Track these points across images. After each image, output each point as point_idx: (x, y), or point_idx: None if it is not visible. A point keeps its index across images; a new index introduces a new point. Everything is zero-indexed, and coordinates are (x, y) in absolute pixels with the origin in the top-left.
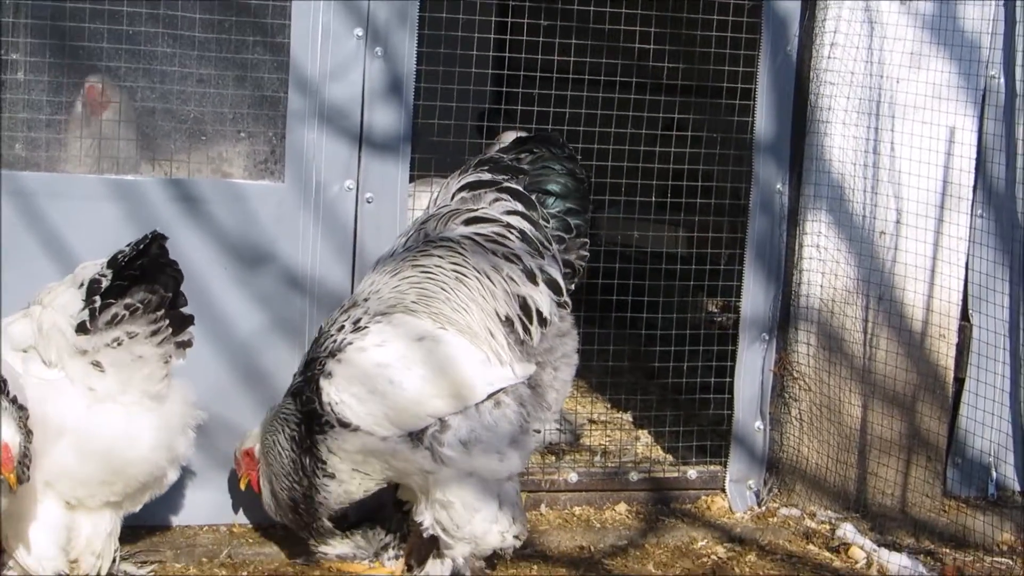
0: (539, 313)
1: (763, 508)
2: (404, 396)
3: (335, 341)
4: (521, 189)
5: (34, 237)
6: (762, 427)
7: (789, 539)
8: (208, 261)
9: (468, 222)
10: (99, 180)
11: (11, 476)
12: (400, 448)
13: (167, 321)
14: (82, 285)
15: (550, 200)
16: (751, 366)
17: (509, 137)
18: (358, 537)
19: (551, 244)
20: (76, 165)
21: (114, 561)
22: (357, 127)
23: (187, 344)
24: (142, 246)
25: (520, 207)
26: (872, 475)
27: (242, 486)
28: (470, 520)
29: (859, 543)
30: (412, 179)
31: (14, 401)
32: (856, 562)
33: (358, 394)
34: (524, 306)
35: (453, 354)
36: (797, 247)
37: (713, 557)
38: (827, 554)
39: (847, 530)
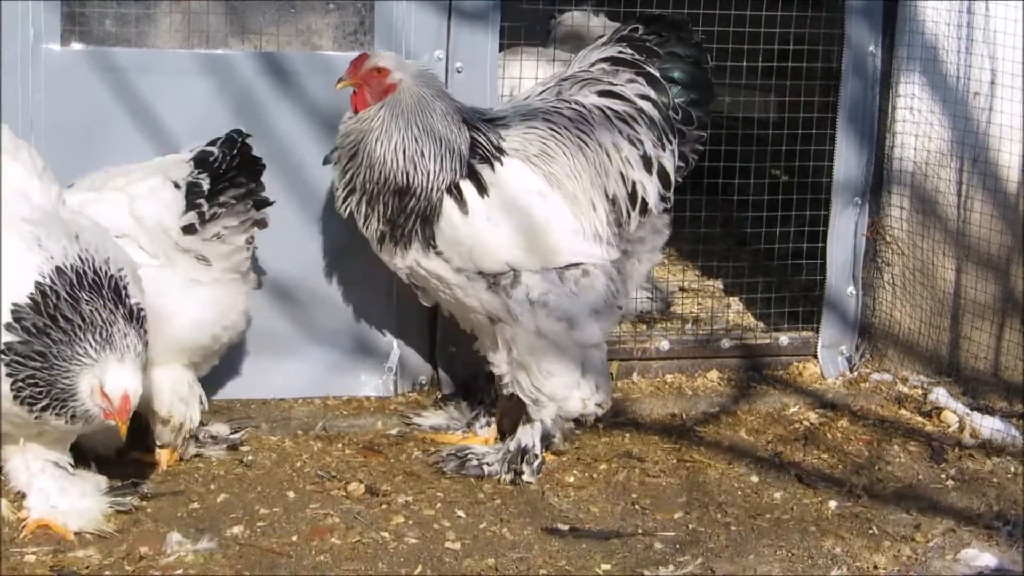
0: (644, 202)
1: (855, 373)
2: (488, 237)
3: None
4: (658, 75)
5: (126, 113)
6: (855, 292)
7: (881, 404)
8: (300, 133)
9: (603, 94)
10: (189, 55)
11: (124, 426)
12: (476, 285)
13: (251, 206)
14: (179, 187)
15: (675, 89)
16: (844, 231)
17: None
18: (451, 408)
19: (674, 137)
20: (166, 40)
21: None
22: None
23: (264, 224)
24: (234, 150)
25: (652, 93)
26: (965, 339)
27: (339, 87)
28: (547, 383)
29: (951, 407)
30: (502, 48)
31: (134, 312)
32: (948, 426)
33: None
34: (632, 191)
35: (549, 215)
36: (890, 110)
37: (805, 423)
38: (919, 418)
39: (939, 394)
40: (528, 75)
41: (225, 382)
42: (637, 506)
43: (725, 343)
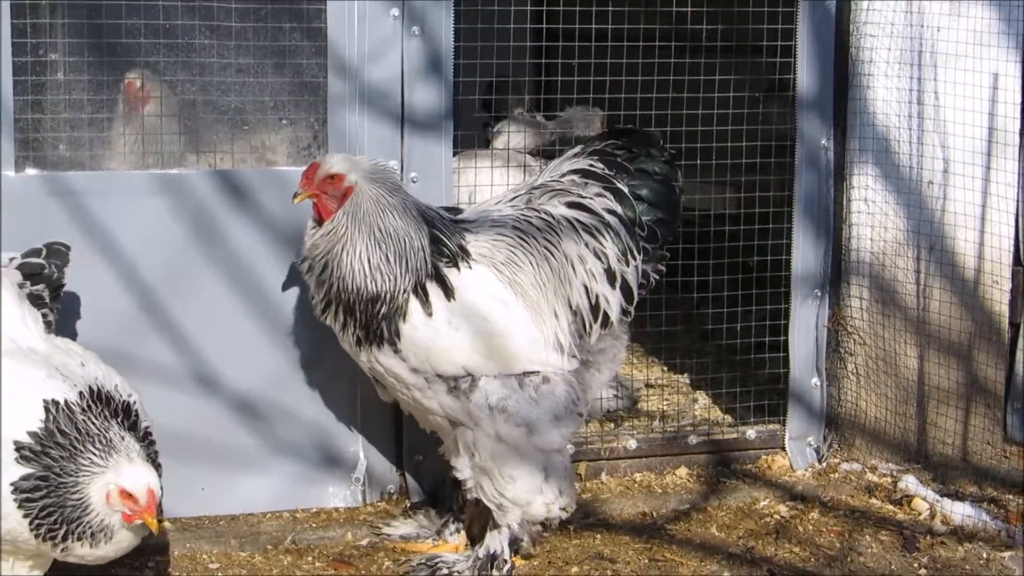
0: (605, 315)
1: (824, 464)
2: (447, 340)
3: (448, 245)
4: (626, 192)
5: (82, 236)
6: (819, 383)
7: (851, 494)
8: (259, 248)
9: (571, 205)
10: (144, 175)
11: (155, 523)
12: (435, 387)
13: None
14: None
15: (641, 206)
16: (805, 323)
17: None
18: (420, 516)
19: (638, 253)
20: (121, 162)
21: None
22: (398, 107)
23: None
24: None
25: (619, 208)
26: (932, 425)
27: (297, 201)
28: (509, 488)
29: (921, 494)
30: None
31: (148, 434)
32: (919, 513)
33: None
34: (595, 303)
35: (510, 323)
36: (845, 201)
37: (776, 516)
38: (890, 507)
39: (909, 482)
40: (483, 182)
41: (193, 498)
42: None
43: (693, 439)
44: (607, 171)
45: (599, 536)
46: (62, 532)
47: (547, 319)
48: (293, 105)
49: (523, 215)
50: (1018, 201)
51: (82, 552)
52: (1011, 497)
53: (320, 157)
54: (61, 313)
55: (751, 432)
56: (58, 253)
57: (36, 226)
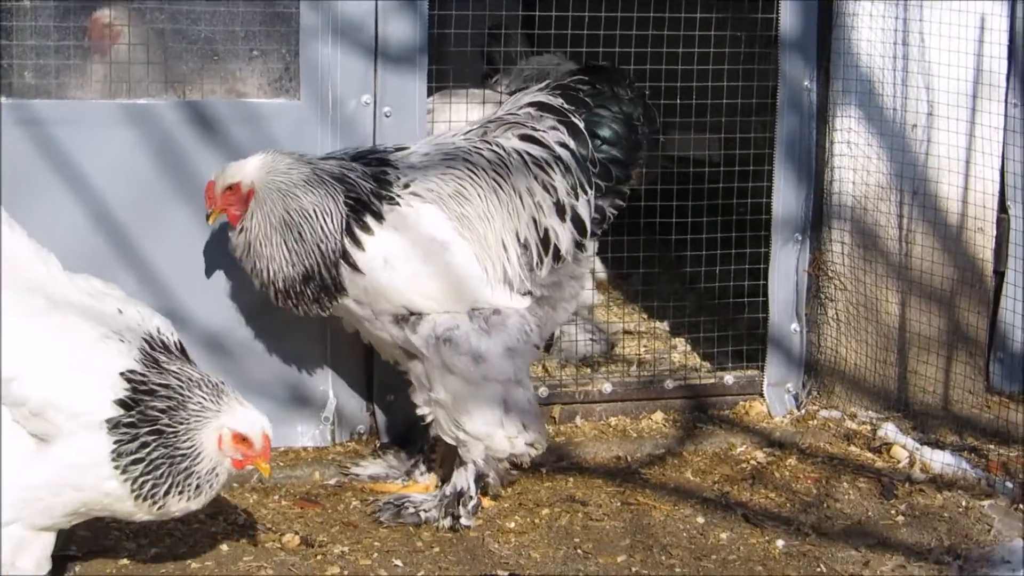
0: (556, 248)
1: (802, 411)
2: (384, 281)
3: (394, 178)
4: (581, 126)
5: (48, 166)
6: (799, 329)
7: (830, 441)
8: None
9: (523, 138)
10: (112, 105)
11: (267, 466)
12: (382, 319)
13: None
14: None
15: (596, 142)
16: (785, 268)
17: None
18: (390, 456)
19: (589, 188)
20: (88, 92)
21: None
22: (372, 40)
23: None
24: None
25: (572, 143)
26: (912, 373)
27: (211, 221)
28: (466, 421)
29: (901, 442)
30: (431, 92)
31: None
32: (898, 462)
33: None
34: (544, 237)
35: (454, 263)
36: (828, 144)
37: (752, 462)
38: (869, 455)
39: (888, 430)
40: (458, 118)
41: None
42: (579, 551)
43: (669, 384)
44: (565, 105)
45: (572, 479)
46: (166, 486)
47: (494, 253)
48: (264, 36)
49: (475, 147)
50: (1003, 146)
51: (176, 507)
52: (992, 447)
53: (213, 174)
54: None
55: (729, 378)
56: None
57: (2, 154)
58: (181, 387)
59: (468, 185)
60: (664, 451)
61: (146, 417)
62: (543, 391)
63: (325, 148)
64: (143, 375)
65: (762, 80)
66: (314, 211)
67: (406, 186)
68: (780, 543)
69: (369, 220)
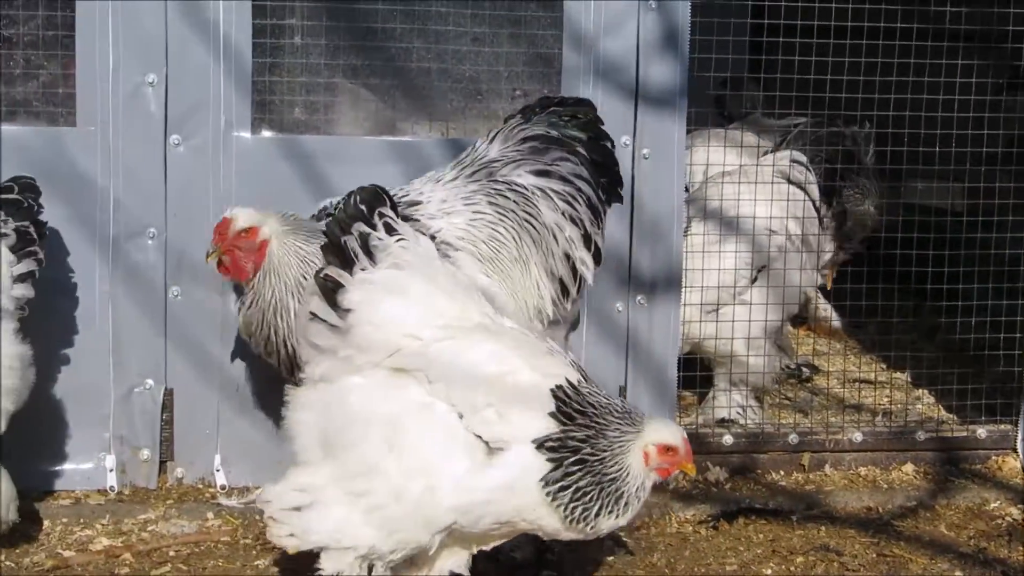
0: (583, 280)
1: None
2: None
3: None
4: (586, 155)
5: (312, 198)
6: None
7: None
8: None
9: (537, 174)
10: (377, 142)
11: (693, 466)
12: None
13: None
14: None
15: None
16: None
17: None
18: None
19: (604, 216)
20: (353, 128)
21: None
22: (632, 82)
23: None
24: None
25: (586, 172)
26: None
27: (210, 260)
28: None
29: None
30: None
31: None
32: None
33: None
34: (573, 269)
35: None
36: None
37: (1008, 519)
38: None
39: None
40: (715, 160)
41: None
42: None
43: (920, 435)
44: (563, 136)
45: (824, 528)
46: (595, 509)
47: (531, 295)
48: (527, 76)
49: (495, 189)
50: None
51: (605, 526)
52: None
53: (228, 211)
54: None
55: (982, 431)
56: (30, 187)
57: (268, 188)
58: (596, 414)
59: (501, 229)
60: (916, 503)
61: (570, 446)
62: (793, 438)
63: None
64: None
65: (1008, 128)
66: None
67: (432, 238)
68: None
69: None
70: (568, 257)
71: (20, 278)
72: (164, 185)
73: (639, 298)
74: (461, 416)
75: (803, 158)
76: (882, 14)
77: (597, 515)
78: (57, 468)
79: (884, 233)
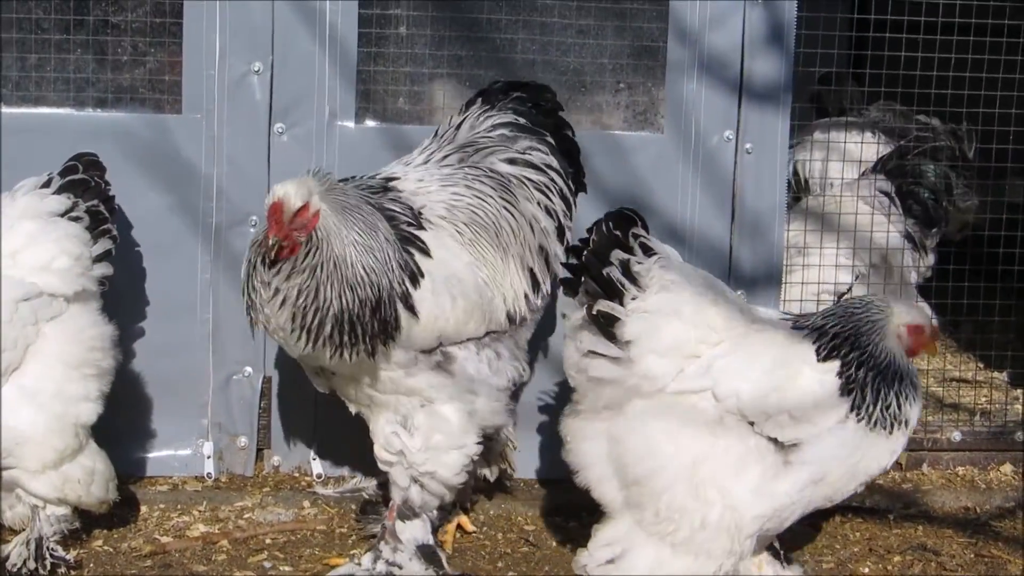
0: (555, 275)
1: None
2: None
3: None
4: (555, 144)
5: None
6: None
7: None
8: (587, 212)
9: (511, 162)
10: None
11: (937, 345)
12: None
13: None
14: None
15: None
16: None
17: None
18: None
19: (574, 207)
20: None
21: None
22: (737, 76)
23: None
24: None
25: (555, 162)
26: None
27: (272, 242)
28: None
29: None
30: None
31: None
32: None
33: None
34: (546, 262)
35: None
36: None
37: None
38: None
39: None
40: (817, 157)
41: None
42: None
43: (1019, 436)
44: (532, 124)
45: (921, 527)
46: (894, 403)
47: (511, 274)
48: (631, 69)
49: (471, 174)
50: None
51: (912, 415)
52: None
53: (271, 196)
54: None
55: None
56: (94, 164)
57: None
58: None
59: (480, 212)
60: (1014, 504)
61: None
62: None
63: (686, 182)
64: None
65: None
66: (376, 229)
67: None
68: None
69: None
70: (543, 249)
71: (98, 258)
72: (267, 174)
73: (739, 293)
74: (752, 423)
75: (890, 188)
76: (990, 11)
77: (900, 407)
78: (155, 454)
79: (985, 231)
